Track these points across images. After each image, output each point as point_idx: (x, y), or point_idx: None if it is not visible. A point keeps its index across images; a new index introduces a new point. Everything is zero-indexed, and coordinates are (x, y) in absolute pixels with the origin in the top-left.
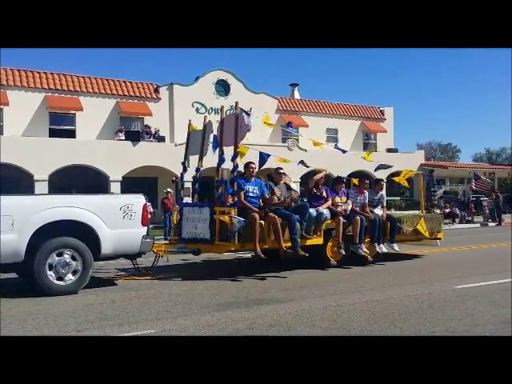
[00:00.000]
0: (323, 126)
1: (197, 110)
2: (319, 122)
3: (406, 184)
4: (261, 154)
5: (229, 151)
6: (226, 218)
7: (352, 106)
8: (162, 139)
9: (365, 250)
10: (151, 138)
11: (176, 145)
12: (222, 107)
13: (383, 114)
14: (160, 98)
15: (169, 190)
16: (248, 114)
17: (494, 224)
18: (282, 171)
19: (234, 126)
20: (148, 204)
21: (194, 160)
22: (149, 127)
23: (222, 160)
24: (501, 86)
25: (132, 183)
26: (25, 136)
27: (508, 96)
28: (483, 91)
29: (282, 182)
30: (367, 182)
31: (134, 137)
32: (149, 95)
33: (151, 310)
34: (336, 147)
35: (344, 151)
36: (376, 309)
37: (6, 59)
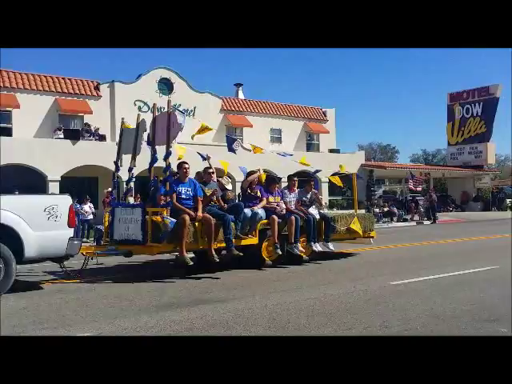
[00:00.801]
0: (267, 126)
1: (139, 108)
2: (263, 122)
3: (339, 183)
4: (199, 154)
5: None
6: (158, 219)
7: (295, 106)
8: (102, 138)
9: (301, 249)
10: (91, 137)
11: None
12: (155, 105)
13: (325, 115)
14: (101, 96)
15: (109, 189)
16: (182, 113)
17: (429, 222)
18: (210, 171)
19: (167, 124)
20: (90, 205)
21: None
22: (89, 125)
23: (154, 159)
24: (437, 89)
25: (71, 183)
26: None
27: (443, 98)
28: (420, 93)
29: (219, 181)
30: (295, 179)
31: (74, 135)
32: (89, 93)
33: (88, 313)
34: (282, 154)
35: (287, 155)
36: (314, 306)
37: None
